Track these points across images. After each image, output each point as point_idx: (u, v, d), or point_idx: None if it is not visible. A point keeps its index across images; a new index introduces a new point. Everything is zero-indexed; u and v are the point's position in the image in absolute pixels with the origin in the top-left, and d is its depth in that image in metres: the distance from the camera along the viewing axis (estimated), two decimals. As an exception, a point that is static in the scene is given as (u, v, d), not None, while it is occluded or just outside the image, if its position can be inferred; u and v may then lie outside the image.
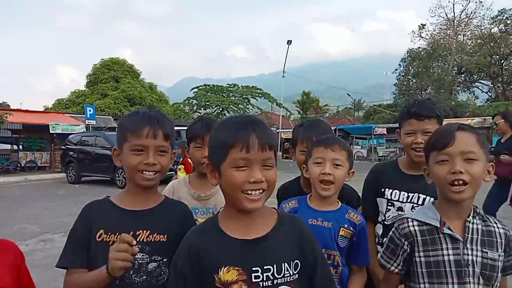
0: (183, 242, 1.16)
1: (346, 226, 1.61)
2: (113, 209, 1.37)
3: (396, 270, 1.40)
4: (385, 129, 29.07)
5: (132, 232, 1.30)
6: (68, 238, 1.36)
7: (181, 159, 6.28)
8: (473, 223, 1.32)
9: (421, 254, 1.33)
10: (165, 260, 1.31)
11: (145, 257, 1.30)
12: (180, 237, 1.23)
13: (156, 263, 1.31)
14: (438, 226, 1.32)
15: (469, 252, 1.28)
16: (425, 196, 1.82)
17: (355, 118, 51.03)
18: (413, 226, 1.36)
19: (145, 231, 1.32)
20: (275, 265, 1.08)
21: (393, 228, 1.43)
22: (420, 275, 1.33)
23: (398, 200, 1.87)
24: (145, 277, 1.29)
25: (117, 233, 1.29)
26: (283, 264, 1.09)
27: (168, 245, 1.31)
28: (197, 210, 1.82)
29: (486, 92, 39.41)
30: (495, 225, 1.35)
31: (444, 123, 1.80)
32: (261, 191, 1.08)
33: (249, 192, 1.07)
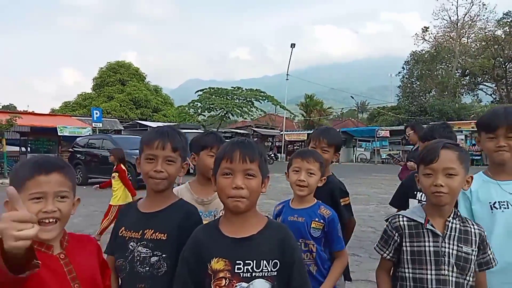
0: (192, 235, 1.40)
1: (316, 219, 1.96)
2: (134, 210, 1.65)
3: (388, 257, 1.67)
4: (388, 131, 29.06)
5: (141, 231, 1.55)
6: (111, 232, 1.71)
7: (115, 167, 6.05)
8: (452, 223, 1.58)
9: (408, 244, 1.60)
10: (164, 255, 1.51)
11: (148, 251, 1.52)
12: (182, 235, 1.45)
13: (157, 258, 1.52)
14: (423, 222, 1.58)
15: (446, 245, 1.54)
16: None
17: (359, 120, 51.00)
18: (403, 221, 1.63)
19: (150, 230, 1.54)
20: (254, 261, 1.29)
21: (387, 222, 1.70)
22: (406, 261, 1.60)
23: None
24: (147, 268, 1.51)
25: (132, 231, 1.57)
26: (262, 261, 1.29)
27: (167, 243, 1.51)
28: (201, 213, 2.02)
29: (490, 95, 39.31)
30: (472, 226, 1.60)
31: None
32: (242, 197, 1.30)
33: (233, 196, 1.31)
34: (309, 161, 1.99)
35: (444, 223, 1.57)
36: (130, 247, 1.54)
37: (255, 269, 1.29)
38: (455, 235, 1.56)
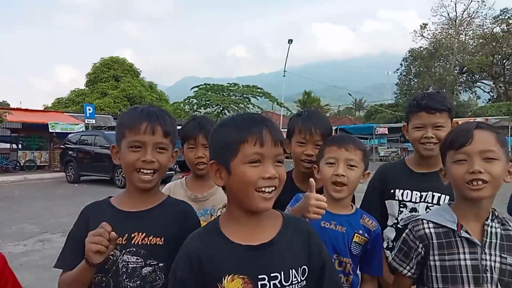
0: (183, 248, 1.09)
1: (360, 232, 1.51)
2: (111, 210, 1.32)
3: (409, 273, 1.37)
4: (386, 129, 28.92)
5: (127, 235, 1.24)
6: (67, 239, 1.32)
7: None
8: (491, 227, 1.26)
9: (436, 258, 1.29)
10: (161, 264, 1.24)
11: (139, 260, 1.23)
12: (179, 239, 1.17)
13: (151, 268, 1.23)
14: (455, 228, 1.27)
15: (488, 257, 1.23)
16: (440, 195, 1.72)
17: (356, 118, 50.97)
18: (429, 228, 1.32)
19: (140, 234, 1.25)
20: (282, 272, 1.03)
21: (407, 230, 1.38)
22: (435, 279, 1.29)
23: (410, 201, 1.76)
24: (138, 282, 1.22)
25: None
26: (290, 270, 1.04)
27: (164, 249, 1.24)
28: None
29: (488, 92, 39.37)
30: None
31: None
32: (273, 188, 1.04)
33: (263, 189, 1.02)
34: (349, 148, 1.52)
35: (482, 227, 1.27)
36: (111, 256, 1.22)
37: (284, 283, 1.02)
38: (496, 242, 1.25)
